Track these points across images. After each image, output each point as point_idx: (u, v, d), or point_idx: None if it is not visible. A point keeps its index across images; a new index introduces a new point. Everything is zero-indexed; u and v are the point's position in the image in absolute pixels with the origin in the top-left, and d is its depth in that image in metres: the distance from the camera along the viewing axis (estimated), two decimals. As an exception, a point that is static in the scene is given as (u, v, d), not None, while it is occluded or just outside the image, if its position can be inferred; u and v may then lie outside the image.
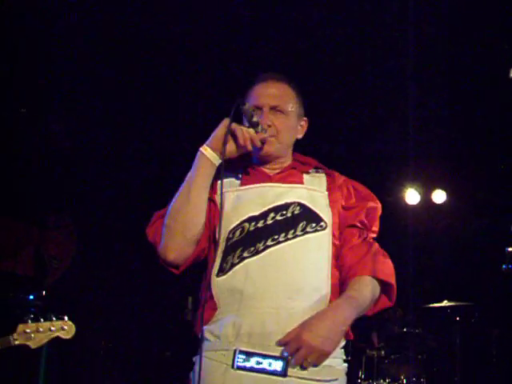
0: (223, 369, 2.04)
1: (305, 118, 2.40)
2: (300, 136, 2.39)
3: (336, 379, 2.10)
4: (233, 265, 2.10)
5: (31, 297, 5.15)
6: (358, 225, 2.27)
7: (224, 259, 2.13)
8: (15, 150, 5.47)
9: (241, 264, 2.09)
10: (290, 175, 2.30)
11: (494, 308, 6.12)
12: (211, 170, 2.17)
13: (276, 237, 2.12)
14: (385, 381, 5.65)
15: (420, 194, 7.03)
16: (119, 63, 5.05)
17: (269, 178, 2.27)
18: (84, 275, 6.32)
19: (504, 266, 3.79)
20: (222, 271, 2.11)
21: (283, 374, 2.00)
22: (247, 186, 2.26)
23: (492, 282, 6.26)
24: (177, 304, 6.34)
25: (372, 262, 2.17)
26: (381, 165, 6.41)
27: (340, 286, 2.16)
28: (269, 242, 2.11)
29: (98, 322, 6.32)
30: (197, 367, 2.10)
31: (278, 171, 2.31)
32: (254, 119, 2.18)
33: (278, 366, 2.00)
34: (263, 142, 2.22)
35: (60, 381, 5.57)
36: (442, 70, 5.25)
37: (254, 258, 2.09)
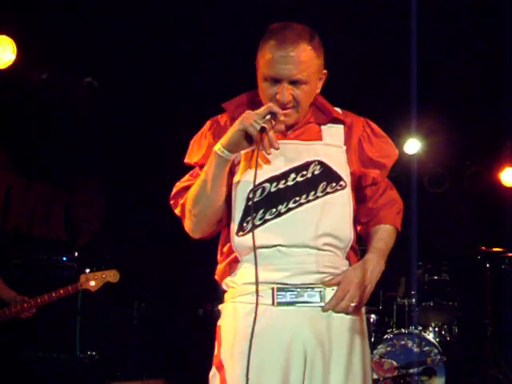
0: (255, 309, 2.05)
1: (324, 72, 2.23)
2: (318, 91, 2.24)
3: (361, 317, 2.20)
4: (254, 226, 2.09)
5: (64, 258, 5.30)
6: (383, 182, 2.34)
7: (244, 219, 2.13)
8: (43, 112, 5.50)
9: (263, 226, 2.10)
10: (306, 131, 2.23)
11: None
12: (227, 165, 2.14)
13: (297, 198, 2.11)
14: (416, 329, 5.69)
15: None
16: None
17: (283, 136, 2.20)
18: (114, 235, 6.39)
19: None
20: (243, 230, 2.12)
21: (321, 302, 2.09)
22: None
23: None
24: (205, 261, 6.40)
25: (392, 214, 2.31)
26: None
27: (357, 238, 2.25)
28: (291, 204, 2.11)
29: (130, 282, 6.41)
30: (225, 314, 2.19)
31: (293, 126, 2.22)
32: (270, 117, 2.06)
33: (315, 297, 2.09)
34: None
35: (93, 336, 5.73)
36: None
37: (277, 220, 2.10)
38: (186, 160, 2.35)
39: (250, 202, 2.12)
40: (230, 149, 2.10)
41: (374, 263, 2.17)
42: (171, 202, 2.32)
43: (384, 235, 2.26)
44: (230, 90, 2.37)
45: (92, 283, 4.19)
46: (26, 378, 4.97)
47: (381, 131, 2.34)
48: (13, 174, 4.26)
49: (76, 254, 5.37)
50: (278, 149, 2.08)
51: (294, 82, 2.11)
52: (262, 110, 2.08)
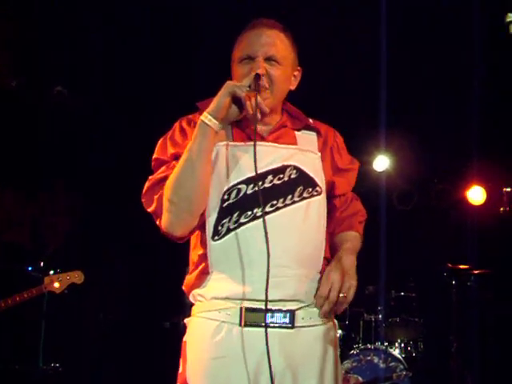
0: (224, 328, 2.01)
1: (298, 68, 2.26)
2: (293, 87, 2.25)
3: (329, 321, 2.14)
4: (229, 230, 2.03)
5: (29, 268, 5.21)
6: (349, 192, 2.35)
7: (219, 221, 2.04)
8: (13, 119, 5.43)
9: (238, 230, 2.02)
10: (283, 135, 2.20)
11: (490, 271, 6.14)
12: (214, 139, 2.05)
13: (274, 202, 2.05)
14: (382, 344, 5.71)
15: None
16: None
17: (262, 139, 2.15)
18: (81, 246, 6.31)
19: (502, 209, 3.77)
20: (218, 235, 2.04)
21: (291, 325, 2.02)
22: (241, 143, 2.13)
23: (490, 246, 6.28)
24: (175, 274, 6.31)
25: (356, 222, 2.30)
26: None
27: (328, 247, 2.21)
28: (267, 208, 2.03)
29: (96, 294, 6.33)
30: (191, 329, 2.10)
31: (269, 128, 2.20)
32: (259, 82, 2.05)
33: (284, 318, 2.02)
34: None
35: (57, 347, 5.64)
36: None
37: (252, 223, 2.02)
38: (156, 156, 2.18)
39: (225, 204, 2.04)
40: (218, 116, 2.02)
41: (345, 257, 2.13)
42: (143, 200, 2.14)
43: (351, 239, 2.24)
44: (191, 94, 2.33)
45: (56, 285, 4.12)
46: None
47: (343, 144, 2.37)
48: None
49: (41, 263, 5.29)
50: (267, 112, 2.07)
51: (269, 59, 2.12)
52: (244, 80, 2.06)
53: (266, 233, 1.96)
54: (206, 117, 2.02)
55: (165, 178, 2.09)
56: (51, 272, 4.32)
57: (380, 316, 5.90)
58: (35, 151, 5.81)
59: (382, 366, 5.41)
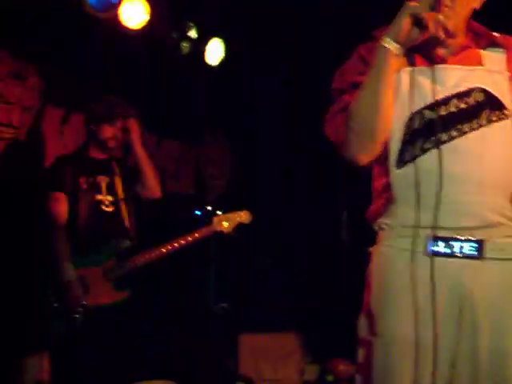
0: (410, 256, 1.97)
1: None
2: (477, 5, 2.10)
3: None
4: (413, 156, 1.98)
5: (198, 213, 5.32)
6: None
7: (403, 149, 2.01)
8: (172, 70, 5.56)
9: (424, 156, 1.97)
10: (467, 56, 2.09)
11: None
12: (395, 64, 1.99)
13: (460, 127, 1.98)
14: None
15: None
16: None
17: (444, 61, 2.07)
18: (241, 192, 6.39)
19: None
20: (402, 162, 2.00)
21: (478, 256, 1.96)
22: (424, 67, 2.06)
23: None
24: (331, 220, 6.18)
25: None
26: None
27: None
28: (453, 133, 1.97)
29: (262, 235, 6.30)
30: (376, 258, 2.09)
31: (453, 50, 2.09)
32: (441, 1, 1.93)
33: (472, 248, 1.95)
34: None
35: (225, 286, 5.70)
36: None
37: (437, 149, 1.95)
38: (334, 85, 2.18)
39: (409, 130, 1.99)
40: (398, 38, 1.94)
41: None
42: (326, 130, 2.14)
43: None
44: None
45: (225, 224, 4.06)
46: (158, 333, 5.05)
47: None
48: (144, 131, 4.32)
49: (209, 207, 5.37)
50: (451, 32, 1.96)
51: None
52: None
53: (440, 161, 1.92)
54: (385, 40, 1.96)
55: (345, 107, 2.07)
56: (219, 212, 4.29)
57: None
58: (197, 101, 5.90)
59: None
